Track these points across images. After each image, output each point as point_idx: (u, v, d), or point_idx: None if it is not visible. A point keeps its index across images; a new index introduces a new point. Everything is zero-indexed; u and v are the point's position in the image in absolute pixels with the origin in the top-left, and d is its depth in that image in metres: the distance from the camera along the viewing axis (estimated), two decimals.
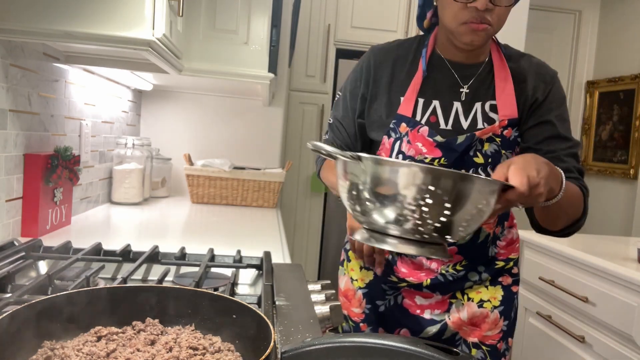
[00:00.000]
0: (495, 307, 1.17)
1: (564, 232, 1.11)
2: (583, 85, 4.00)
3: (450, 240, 0.79)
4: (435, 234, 0.76)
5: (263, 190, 2.19)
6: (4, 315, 0.57)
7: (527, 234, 2.01)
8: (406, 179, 0.73)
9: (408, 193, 0.73)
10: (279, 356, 0.59)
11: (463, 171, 0.98)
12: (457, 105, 1.12)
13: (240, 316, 0.66)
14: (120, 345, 0.62)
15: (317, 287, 1.00)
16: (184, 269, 1.07)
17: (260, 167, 2.44)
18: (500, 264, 1.20)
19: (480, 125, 1.11)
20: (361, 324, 1.26)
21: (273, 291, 0.90)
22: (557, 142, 1.10)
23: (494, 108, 1.11)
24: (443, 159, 1.09)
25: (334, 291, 0.97)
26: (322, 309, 0.89)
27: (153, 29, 1.12)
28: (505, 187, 0.79)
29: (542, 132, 1.11)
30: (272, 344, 0.56)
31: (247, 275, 1.11)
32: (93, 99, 1.76)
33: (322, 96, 3.18)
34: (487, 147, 1.10)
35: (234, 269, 1.07)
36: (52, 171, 1.32)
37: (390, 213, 0.76)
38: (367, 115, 1.20)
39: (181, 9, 1.24)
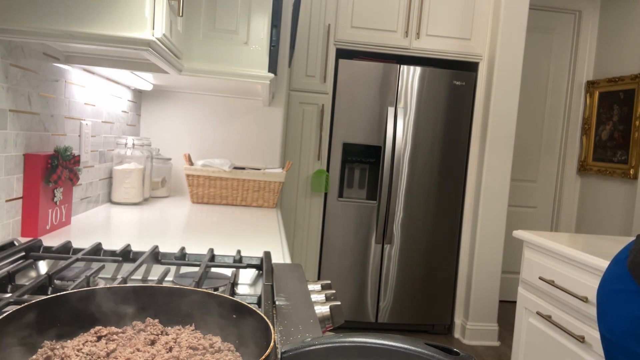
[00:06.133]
0: None
1: None
2: (583, 85, 4.00)
3: None
4: None
5: (263, 190, 2.19)
6: (4, 315, 0.57)
7: (526, 234, 2.01)
8: None
9: None
10: (279, 356, 0.59)
11: None
12: None
13: (240, 316, 0.66)
14: (120, 345, 0.62)
15: (317, 287, 1.00)
16: (184, 269, 1.07)
17: (260, 167, 2.44)
18: None
19: None
20: None
21: (273, 291, 0.90)
22: None
23: None
24: None
25: (334, 291, 0.97)
26: (322, 309, 0.89)
27: (153, 29, 1.12)
28: None
29: None
30: (272, 344, 0.56)
31: (247, 275, 1.11)
32: (93, 99, 1.76)
33: (322, 96, 3.18)
34: None
35: (234, 269, 1.07)
36: (52, 171, 1.32)
37: None
38: None
39: (181, 9, 1.24)
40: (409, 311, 3.30)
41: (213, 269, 1.06)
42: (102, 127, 1.88)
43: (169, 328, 0.68)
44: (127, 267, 1.06)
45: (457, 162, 3.27)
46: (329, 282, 1.03)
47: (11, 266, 0.94)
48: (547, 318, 1.85)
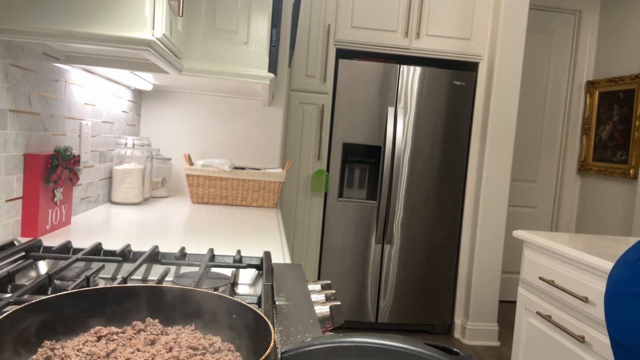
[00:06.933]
0: None
1: None
2: (583, 85, 4.00)
3: None
4: None
5: (263, 190, 2.19)
6: (4, 315, 0.57)
7: (526, 234, 2.01)
8: None
9: None
10: (279, 356, 0.59)
11: None
12: None
13: (240, 316, 0.66)
14: (120, 345, 0.62)
15: (317, 287, 1.00)
16: (184, 269, 1.07)
17: (260, 167, 2.44)
18: None
19: None
20: None
21: (273, 291, 0.90)
22: None
23: None
24: None
25: (334, 291, 0.97)
26: (322, 309, 0.89)
27: (153, 29, 1.12)
28: None
29: None
30: (272, 344, 0.56)
31: (247, 275, 1.11)
32: (93, 99, 1.76)
33: (322, 96, 3.18)
34: None
35: (234, 269, 1.07)
36: (52, 171, 1.32)
37: None
38: None
39: (181, 9, 1.24)
40: (409, 311, 3.30)
41: (213, 269, 1.06)
42: (102, 127, 1.88)
43: (169, 328, 0.68)
44: (127, 267, 1.07)
45: (457, 162, 3.27)
46: (329, 282, 1.03)
47: (11, 266, 0.94)
48: (547, 318, 1.85)
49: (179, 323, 0.69)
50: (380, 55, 3.25)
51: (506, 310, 3.92)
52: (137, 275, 1.07)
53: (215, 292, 0.71)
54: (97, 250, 1.09)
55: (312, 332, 0.74)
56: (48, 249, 1.07)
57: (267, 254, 1.12)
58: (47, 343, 0.60)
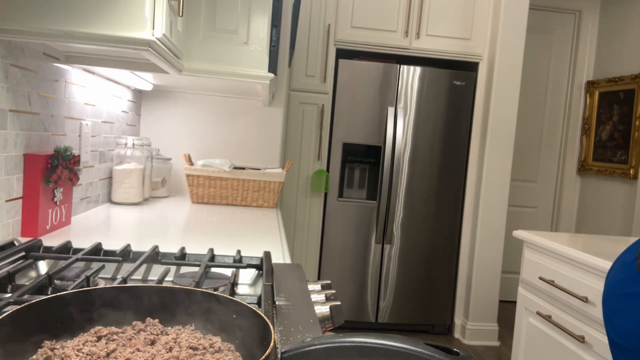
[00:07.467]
0: None
1: None
2: (583, 85, 4.00)
3: None
4: None
5: (263, 190, 2.19)
6: (4, 315, 0.57)
7: (526, 234, 2.01)
8: None
9: None
10: (279, 356, 0.59)
11: None
12: None
13: (240, 316, 0.66)
14: (120, 345, 0.62)
15: (317, 287, 1.00)
16: (184, 269, 1.07)
17: (260, 167, 2.44)
18: None
19: None
20: None
21: (273, 291, 0.90)
22: None
23: None
24: None
25: (334, 291, 0.97)
26: (322, 309, 0.89)
27: (153, 29, 1.12)
28: None
29: None
30: (272, 344, 0.56)
31: (247, 275, 1.11)
32: (93, 99, 1.76)
33: (322, 96, 3.18)
34: None
35: (234, 269, 1.07)
36: (52, 171, 1.32)
37: None
38: None
39: (181, 9, 1.24)
40: (409, 311, 3.30)
41: (213, 269, 1.06)
42: (102, 127, 1.88)
43: (169, 328, 0.68)
44: (127, 267, 1.07)
45: (457, 162, 3.27)
46: (329, 282, 1.03)
47: (11, 266, 0.94)
48: (547, 318, 1.85)
49: (179, 323, 0.69)
50: (380, 55, 3.25)
51: (506, 310, 3.92)
52: (137, 275, 1.07)
53: (215, 292, 0.71)
54: (97, 250, 1.09)
55: (312, 332, 0.74)
56: (48, 249, 1.07)
57: (267, 254, 1.12)
58: (47, 343, 0.60)
